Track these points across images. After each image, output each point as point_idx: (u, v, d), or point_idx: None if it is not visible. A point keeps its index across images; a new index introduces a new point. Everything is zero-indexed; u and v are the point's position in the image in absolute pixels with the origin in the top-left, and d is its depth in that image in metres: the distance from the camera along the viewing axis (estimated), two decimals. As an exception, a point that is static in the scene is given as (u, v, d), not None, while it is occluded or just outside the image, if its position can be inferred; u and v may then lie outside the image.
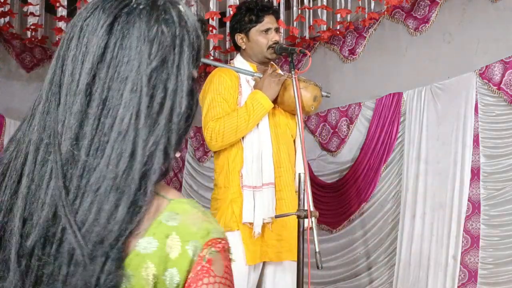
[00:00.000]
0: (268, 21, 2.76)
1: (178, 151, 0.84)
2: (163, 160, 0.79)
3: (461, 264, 3.52)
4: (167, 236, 0.76)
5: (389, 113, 4.00)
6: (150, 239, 0.76)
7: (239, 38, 2.79)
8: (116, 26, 0.79)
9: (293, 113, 2.78)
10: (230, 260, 0.79)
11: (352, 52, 4.29)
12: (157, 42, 0.80)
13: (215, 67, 2.93)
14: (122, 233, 0.74)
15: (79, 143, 0.76)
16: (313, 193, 2.59)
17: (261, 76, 2.68)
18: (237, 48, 2.88)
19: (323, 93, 2.77)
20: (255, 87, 2.69)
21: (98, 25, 0.79)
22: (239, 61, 2.81)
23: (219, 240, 0.78)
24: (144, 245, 0.76)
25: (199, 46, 0.85)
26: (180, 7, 0.85)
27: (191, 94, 0.83)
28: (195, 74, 0.85)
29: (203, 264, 0.75)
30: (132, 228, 0.75)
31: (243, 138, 2.67)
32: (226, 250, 0.78)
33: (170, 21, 0.82)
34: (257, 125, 2.67)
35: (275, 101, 2.70)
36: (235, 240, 2.61)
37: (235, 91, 2.70)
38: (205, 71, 4.77)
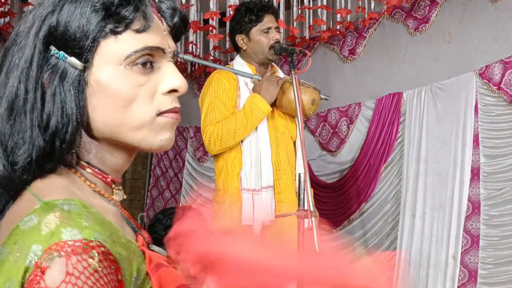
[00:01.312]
0: (268, 20, 2.76)
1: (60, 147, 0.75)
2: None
3: (461, 264, 3.52)
4: (16, 242, 0.68)
5: (389, 113, 4.00)
6: (3, 247, 0.69)
7: (240, 39, 2.78)
8: None
9: (292, 115, 2.78)
10: (88, 266, 0.65)
11: (352, 52, 4.29)
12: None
13: (215, 68, 2.93)
14: None
15: None
16: (313, 193, 2.59)
17: (260, 78, 2.67)
18: (236, 50, 2.87)
19: (322, 96, 2.76)
20: (253, 90, 2.68)
21: None
22: (238, 63, 2.80)
23: (71, 243, 0.65)
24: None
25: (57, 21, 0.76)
26: None
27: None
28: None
29: (36, 273, 0.65)
30: None
31: (242, 141, 2.67)
32: (78, 254, 0.65)
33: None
34: (256, 128, 2.67)
35: (273, 104, 2.69)
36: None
37: (233, 94, 2.69)
38: (204, 72, 4.77)
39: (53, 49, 0.76)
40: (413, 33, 3.99)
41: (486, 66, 3.56)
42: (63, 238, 0.66)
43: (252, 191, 2.62)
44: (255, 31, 2.75)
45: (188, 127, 5.26)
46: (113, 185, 0.83)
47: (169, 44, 0.81)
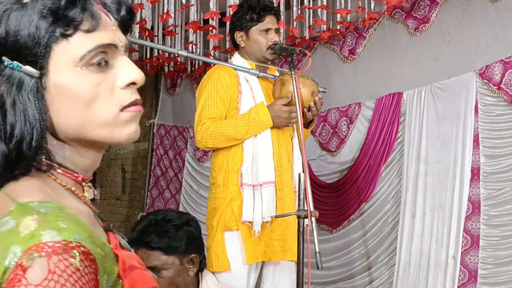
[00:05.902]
0: (269, 21, 2.76)
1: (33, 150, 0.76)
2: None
3: (461, 264, 3.52)
4: None
5: (389, 113, 4.00)
6: None
7: (239, 36, 2.79)
8: None
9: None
10: (69, 265, 0.66)
11: (352, 52, 4.29)
12: None
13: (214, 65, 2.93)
14: None
15: None
16: (313, 193, 2.58)
17: (257, 73, 2.67)
18: (235, 47, 2.88)
19: (320, 89, 2.77)
20: (269, 107, 2.66)
21: None
22: (237, 59, 2.81)
23: (51, 244, 0.66)
24: None
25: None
26: None
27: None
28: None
29: (17, 272, 0.65)
30: None
31: None
32: (59, 254, 0.66)
33: None
34: None
35: (272, 98, 2.71)
36: (234, 240, 2.61)
37: (233, 90, 2.69)
38: (205, 72, 4.77)
39: (6, 60, 0.76)
40: (413, 33, 3.99)
41: (486, 66, 3.56)
42: (42, 240, 0.67)
43: (253, 187, 2.61)
44: (254, 30, 2.75)
45: (188, 127, 5.26)
46: (83, 183, 0.84)
47: (120, 39, 0.82)
